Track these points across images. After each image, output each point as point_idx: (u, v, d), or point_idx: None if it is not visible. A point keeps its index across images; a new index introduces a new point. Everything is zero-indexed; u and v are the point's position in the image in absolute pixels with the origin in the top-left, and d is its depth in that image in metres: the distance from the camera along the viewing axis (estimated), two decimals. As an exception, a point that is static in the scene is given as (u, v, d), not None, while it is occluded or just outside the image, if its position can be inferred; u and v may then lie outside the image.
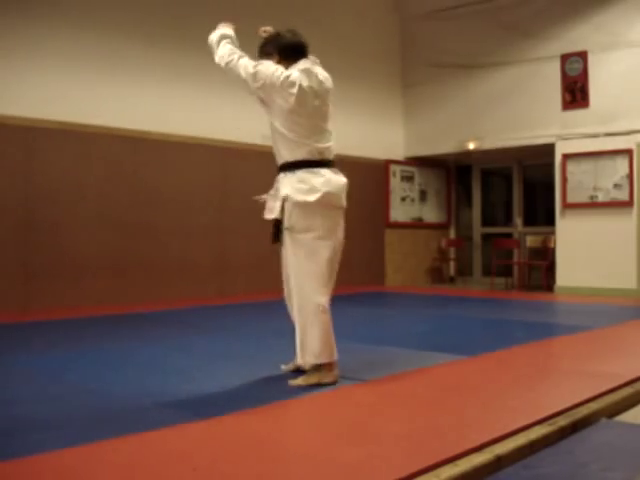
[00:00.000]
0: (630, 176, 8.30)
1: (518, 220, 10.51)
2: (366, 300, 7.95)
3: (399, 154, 10.48)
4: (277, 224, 3.30)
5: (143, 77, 7.29)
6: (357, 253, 9.52)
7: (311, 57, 3.42)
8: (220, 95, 7.66)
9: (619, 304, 7.19)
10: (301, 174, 3.22)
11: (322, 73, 3.36)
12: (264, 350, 4.25)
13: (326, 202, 3.22)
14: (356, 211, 9.42)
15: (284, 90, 3.18)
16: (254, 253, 7.77)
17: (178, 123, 7.55)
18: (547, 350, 4.49)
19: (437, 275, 10.96)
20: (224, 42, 3.35)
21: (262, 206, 3.39)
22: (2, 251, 6.21)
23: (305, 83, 3.21)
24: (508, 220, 10.72)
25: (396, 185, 10.34)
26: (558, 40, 8.86)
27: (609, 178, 8.48)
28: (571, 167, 8.77)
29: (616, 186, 8.42)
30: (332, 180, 3.27)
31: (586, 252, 8.56)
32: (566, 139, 8.82)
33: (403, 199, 10.46)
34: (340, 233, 3.35)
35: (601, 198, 8.54)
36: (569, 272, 8.71)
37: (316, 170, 3.24)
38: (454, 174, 11.32)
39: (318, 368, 3.23)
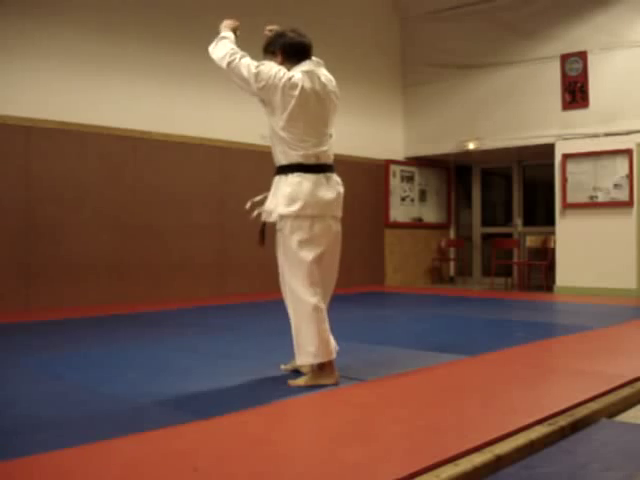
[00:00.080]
0: (630, 176, 8.30)
1: (518, 220, 10.52)
2: (366, 300, 7.95)
3: (399, 154, 10.48)
4: (263, 227, 3.31)
5: (143, 77, 7.30)
6: (357, 253, 9.52)
7: (314, 58, 3.41)
8: (220, 95, 7.66)
9: (619, 304, 7.19)
10: (293, 179, 3.20)
11: (325, 75, 3.33)
12: (264, 350, 4.25)
13: (312, 213, 3.19)
14: (356, 211, 9.47)
15: (286, 92, 3.15)
16: (254, 253, 7.75)
17: (178, 123, 7.55)
18: (547, 350, 4.49)
19: (437, 275, 10.96)
20: (225, 41, 3.30)
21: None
22: (2, 251, 6.21)
23: (307, 85, 3.19)
24: (508, 220, 10.72)
25: (396, 185, 10.34)
26: (558, 40, 8.86)
27: (609, 178, 8.48)
28: (571, 167, 8.77)
29: (616, 186, 8.42)
30: (322, 188, 3.23)
31: (586, 252, 8.56)
32: (566, 139, 8.82)
33: (403, 199, 10.47)
34: (331, 238, 3.30)
35: (601, 198, 8.54)
36: (569, 272, 8.71)
37: (308, 176, 3.20)
38: (454, 174, 11.33)
39: (319, 369, 3.23)
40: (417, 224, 10.66)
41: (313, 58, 3.39)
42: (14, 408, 2.85)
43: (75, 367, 3.73)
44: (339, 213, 3.37)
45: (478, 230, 11.09)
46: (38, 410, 2.79)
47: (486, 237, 10.90)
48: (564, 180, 8.78)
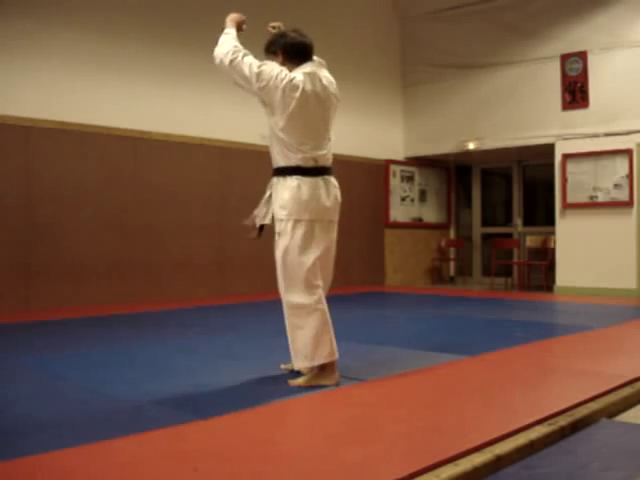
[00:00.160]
0: (630, 176, 8.30)
1: (518, 220, 10.52)
2: (366, 300, 7.95)
3: (399, 154, 10.48)
4: (260, 228, 3.34)
5: (143, 77, 7.30)
6: (357, 253, 9.53)
7: (316, 59, 3.40)
8: (220, 95, 7.66)
9: (619, 304, 7.19)
10: (291, 182, 3.20)
11: (327, 77, 3.32)
12: (264, 350, 4.25)
13: (310, 217, 3.19)
14: (356, 211, 9.47)
15: (287, 93, 3.14)
16: (254, 253, 7.77)
17: (178, 123, 7.55)
18: (547, 350, 4.49)
19: (437, 275, 10.96)
20: (228, 38, 3.27)
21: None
22: (2, 251, 6.21)
23: (308, 87, 3.18)
24: (508, 220, 10.72)
25: (396, 185, 10.34)
26: (558, 40, 8.86)
27: (609, 178, 8.48)
28: (571, 167, 8.77)
29: (616, 186, 8.42)
30: (320, 192, 3.23)
31: (586, 252, 8.56)
32: (566, 139, 8.82)
33: (403, 199, 10.47)
34: (327, 242, 3.30)
35: (601, 198, 8.54)
36: (569, 272, 8.71)
37: (306, 179, 3.20)
38: (454, 174, 11.33)
39: (319, 369, 3.22)
40: (417, 224, 10.66)
41: (315, 59, 3.38)
42: (14, 408, 2.85)
43: (75, 367, 3.74)
44: (336, 217, 3.37)
45: (478, 230, 11.09)
46: (38, 410, 2.79)
47: (486, 237, 10.91)
48: (564, 180, 8.78)
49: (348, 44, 9.45)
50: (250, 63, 3.18)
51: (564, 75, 8.82)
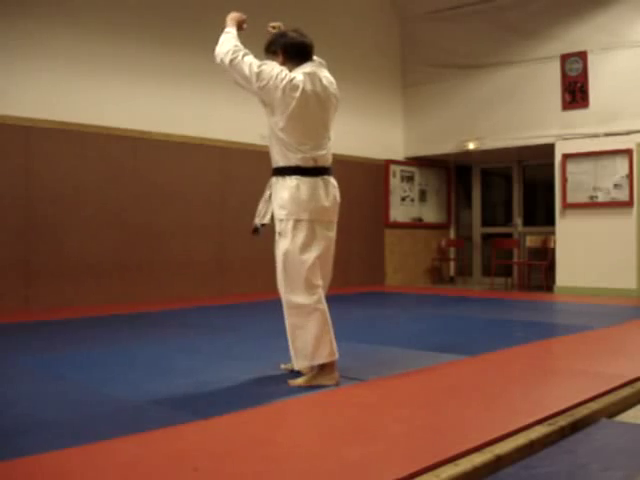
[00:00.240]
0: (630, 176, 8.30)
1: (518, 220, 10.52)
2: (366, 300, 7.95)
3: (399, 154, 10.48)
4: (256, 228, 3.35)
5: (143, 77, 7.30)
6: (357, 253, 9.53)
7: (317, 59, 3.40)
8: (220, 95, 7.67)
9: (619, 304, 7.19)
10: (290, 182, 3.20)
11: (327, 77, 3.32)
12: (264, 350, 4.25)
13: (310, 217, 3.20)
14: (356, 211, 9.47)
15: (287, 93, 3.14)
16: (254, 253, 7.77)
17: (178, 123, 7.55)
18: (547, 350, 4.49)
19: (437, 275, 10.96)
20: (228, 37, 3.28)
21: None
22: (2, 251, 6.21)
23: (308, 87, 3.18)
24: (508, 220, 10.72)
25: (396, 185, 10.34)
26: (558, 40, 8.86)
27: (609, 178, 8.48)
28: (571, 167, 8.77)
29: (616, 186, 8.42)
30: (319, 193, 3.23)
31: (586, 252, 8.56)
32: (566, 139, 8.82)
33: (403, 199, 10.47)
34: (327, 242, 3.31)
35: (601, 198, 8.54)
36: (569, 272, 8.71)
37: (306, 179, 3.20)
38: (454, 174, 11.33)
39: (319, 369, 3.23)
40: (417, 224, 10.66)
41: (315, 59, 3.38)
42: (14, 408, 2.85)
43: (75, 367, 3.74)
44: (335, 218, 3.38)
45: (478, 230, 11.09)
46: (39, 410, 2.79)
47: (486, 237, 10.91)
48: (564, 180, 8.78)
49: (348, 44, 9.45)
50: (250, 62, 3.18)
51: (564, 75, 8.82)
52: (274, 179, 3.30)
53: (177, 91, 7.55)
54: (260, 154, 7.44)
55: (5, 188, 6.25)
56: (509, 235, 10.58)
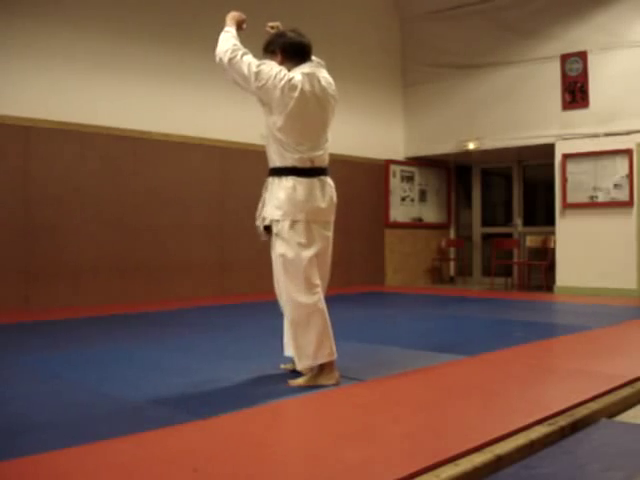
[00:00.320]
0: (630, 176, 8.30)
1: (518, 220, 10.51)
2: (366, 300, 7.94)
3: (399, 154, 10.48)
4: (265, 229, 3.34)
5: (143, 77, 7.29)
6: (357, 253, 9.53)
7: (315, 59, 3.40)
8: (220, 95, 7.66)
9: (619, 304, 7.19)
10: (287, 183, 3.20)
11: (326, 78, 3.32)
12: (264, 350, 4.24)
13: (306, 218, 3.20)
14: (356, 211, 9.47)
15: (285, 93, 3.14)
16: (254, 253, 7.77)
17: (178, 123, 7.55)
18: (547, 350, 4.49)
19: (437, 275, 10.96)
20: (227, 36, 3.28)
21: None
22: (2, 251, 6.20)
23: (307, 88, 3.18)
24: (508, 220, 10.72)
25: (396, 185, 10.34)
26: (558, 40, 8.86)
27: (609, 178, 8.48)
28: (571, 167, 8.76)
29: (616, 186, 8.42)
30: (316, 193, 3.23)
31: (586, 252, 8.56)
32: (566, 139, 8.82)
33: (403, 199, 10.46)
34: (324, 242, 3.31)
35: (601, 198, 8.53)
36: (569, 272, 8.71)
37: (302, 180, 3.20)
38: (454, 174, 11.32)
39: (319, 369, 3.23)
40: (417, 224, 10.66)
41: (314, 59, 3.39)
42: (13, 408, 2.84)
43: (74, 367, 3.73)
44: (332, 218, 3.38)
45: (478, 230, 11.08)
46: (37, 410, 2.79)
47: (486, 237, 10.90)
48: (564, 180, 8.78)
49: (348, 44, 9.45)
50: (249, 62, 3.18)
51: (564, 75, 8.82)
52: (270, 179, 3.30)
53: (177, 91, 7.55)
54: (260, 154, 7.40)
55: (4, 188, 6.25)
56: (509, 235, 10.58)
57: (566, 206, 8.77)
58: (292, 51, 3.29)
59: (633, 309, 6.77)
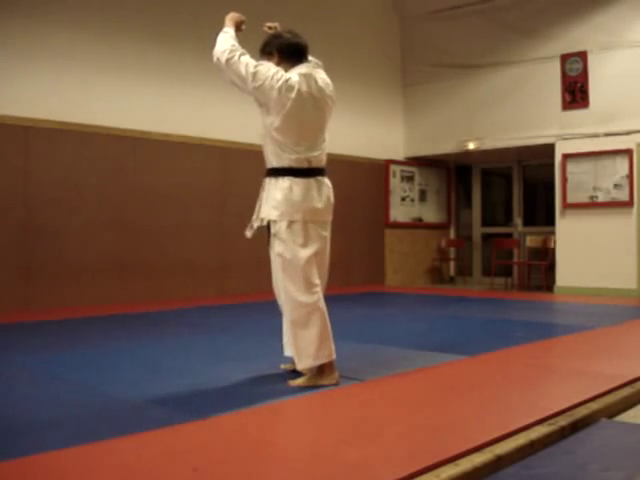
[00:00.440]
0: (630, 176, 8.30)
1: (518, 220, 10.51)
2: (366, 300, 7.94)
3: (399, 154, 10.48)
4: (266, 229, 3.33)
5: (143, 77, 7.29)
6: (357, 253, 9.52)
7: (313, 60, 3.40)
8: (220, 95, 7.66)
9: (619, 304, 7.19)
10: (283, 183, 3.20)
11: (323, 78, 3.32)
12: (264, 350, 4.25)
13: (303, 218, 3.20)
14: (356, 211, 9.47)
15: (282, 93, 3.14)
16: (254, 253, 7.76)
17: (178, 123, 7.55)
18: (547, 350, 4.49)
19: (437, 275, 10.96)
20: (226, 36, 3.28)
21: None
22: (2, 251, 6.20)
23: (304, 88, 3.18)
24: (508, 220, 10.72)
25: (396, 185, 10.34)
26: (558, 40, 8.86)
27: (609, 178, 8.48)
28: (571, 167, 8.76)
29: (616, 186, 8.42)
30: (312, 193, 3.23)
31: (586, 252, 8.56)
32: (566, 139, 8.82)
33: (403, 199, 10.46)
34: (322, 242, 3.30)
35: (601, 198, 8.53)
36: (569, 272, 8.70)
37: (299, 180, 3.20)
38: (454, 174, 11.32)
39: (319, 369, 3.23)
40: (417, 224, 10.66)
41: (312, 59, 3.40)
42: (13, 408, 2.84)
43: (74, 367, 3.73)
44: (329, 218, 3.38)
45: (478, 230, 11.08)
46: (37, 410, 2.79)
47: (486, 237, 10.90)
48: (564, 180, 8.77)
49: (348, 44, 9.45)
50: (246, 63, 3.18)
51: (564, 75, 8.82)
52: (267, 180, 3.31)
53: (177, 91, 7.55)
54: (260, 154, 7.42)
55: (4, 188, 6.25)
56: (509, 235, 10.58)
57: (566, 206, 8.77)
58: (288, 52, 3.31)
59: (633, 309, 6.77)
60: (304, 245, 3.21)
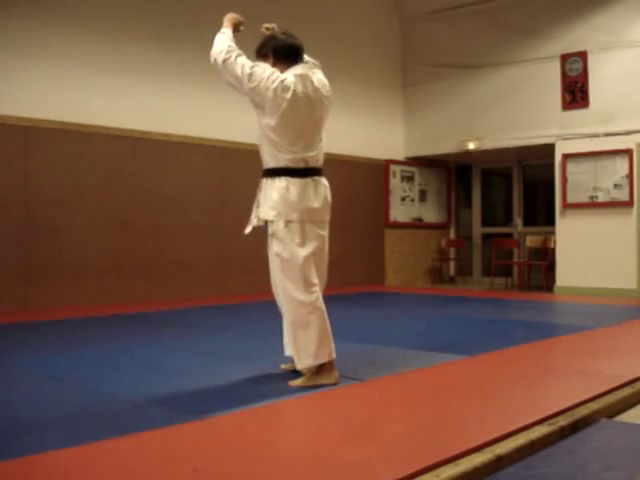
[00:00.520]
0: (630, 176, 8.30)
1: (518, 220, 10.51)
2: (366, 300, 7.94)
3: (399, 154, 10.47)
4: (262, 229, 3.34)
5: (143, 77, 7.29)
6: (357, 253, 9.52)
7: (310, 60, 3.41)
8: (220, 95, 7.62)
9: (619, 304, 7.19)
10: (280, 183, 3.20)
11: (319, 79, 3.33)
12: (264, 350, 4.24)
13: (300, 218, 3.20)
14: (356, 211, 9.47)
15: (278, 94, 3.14)
16: (254, 253, 7.75)
17: (178, 123, 7.54)
18: (547, 350, 4.49)
19: (437, 275, 10.96)
20: (223, 37, 3.29)
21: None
22: (2, 251, 6.20)
23: (299, 89, 3.19)
24: (508, 220, 10.72)
25: (396, 185, 10.34)
26: (558, 40, 8.86)
27: (609, 178, 8.48)
28: (571, 167, 8.76)
29: (616, 186, 8.42)
30: (309, 193, 3.23)
31: (586, 252, 8.55)
32: (566, 139, 8.82)
33: (403, 199, 10.46)
34: (319, 241, 3.31)
35: (601, 198, 8.53)
36: (569, 272, 8.70)
37: (295, 180, 3.21)
38: (454, 174, 11.33)
39: (319, 369, 3.23)
40: (417, 224, 10.65)
41: (309, 59, 3.41)
42: (13, 408, 2.84)
43: (74, 367, 3.73)
44: (327, 217, 3.38)
45: (478, 230, 11.08)
46: (36, 410, 2.79)
47: (486, 237, 10.90)
48: (564, 180, 8.77)
49: (348, 44, 9.45)
50: (243, 64, 3.19)
51: (564, 75, 8.82)
52: (264, 180, 3.31)
53: (177, 91, 7.55)
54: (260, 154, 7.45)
55: (4, 188, 6.24)
56: (509, 235, 10.58)
57: (566, 206, 8.77)
58: (283, 53, 3.31)
59: (633, 309, 6.77)
60: (302, 244, 3.22)
